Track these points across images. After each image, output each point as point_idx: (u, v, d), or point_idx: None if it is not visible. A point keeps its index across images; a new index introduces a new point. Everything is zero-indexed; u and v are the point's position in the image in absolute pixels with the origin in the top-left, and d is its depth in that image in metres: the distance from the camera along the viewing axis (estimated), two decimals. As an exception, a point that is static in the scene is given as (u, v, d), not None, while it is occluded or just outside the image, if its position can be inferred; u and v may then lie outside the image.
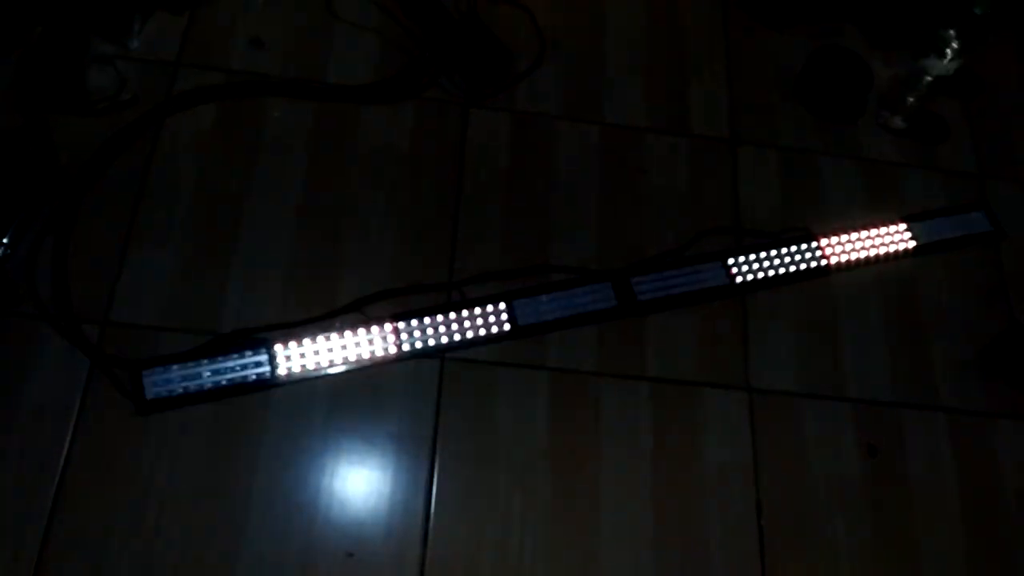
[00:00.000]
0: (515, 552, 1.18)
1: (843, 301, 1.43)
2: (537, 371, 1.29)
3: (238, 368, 1.21)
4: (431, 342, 1.27)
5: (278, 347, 1.23)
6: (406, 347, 1.26)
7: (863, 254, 1.46)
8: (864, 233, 1.48)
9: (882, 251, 1.47)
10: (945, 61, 1.46)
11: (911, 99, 1.55)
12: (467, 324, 1.29)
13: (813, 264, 1.43)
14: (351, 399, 1.24)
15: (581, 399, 1.29)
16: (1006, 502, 1.32)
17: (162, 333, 1.23)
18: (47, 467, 1.13)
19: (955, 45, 1.43)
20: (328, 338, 1.25)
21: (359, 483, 1.19)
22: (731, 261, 1.41)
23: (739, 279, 1.40)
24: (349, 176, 1.40)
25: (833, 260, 1.44)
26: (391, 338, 1.26)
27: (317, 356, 1.24)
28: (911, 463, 1.32)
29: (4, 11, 1.38)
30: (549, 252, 1.39)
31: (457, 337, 1.28)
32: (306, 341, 1.24)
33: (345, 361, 1.24)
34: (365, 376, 1.25)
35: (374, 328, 1.27)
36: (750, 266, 1.41)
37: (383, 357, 1.26)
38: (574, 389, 1.29)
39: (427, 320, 1.28)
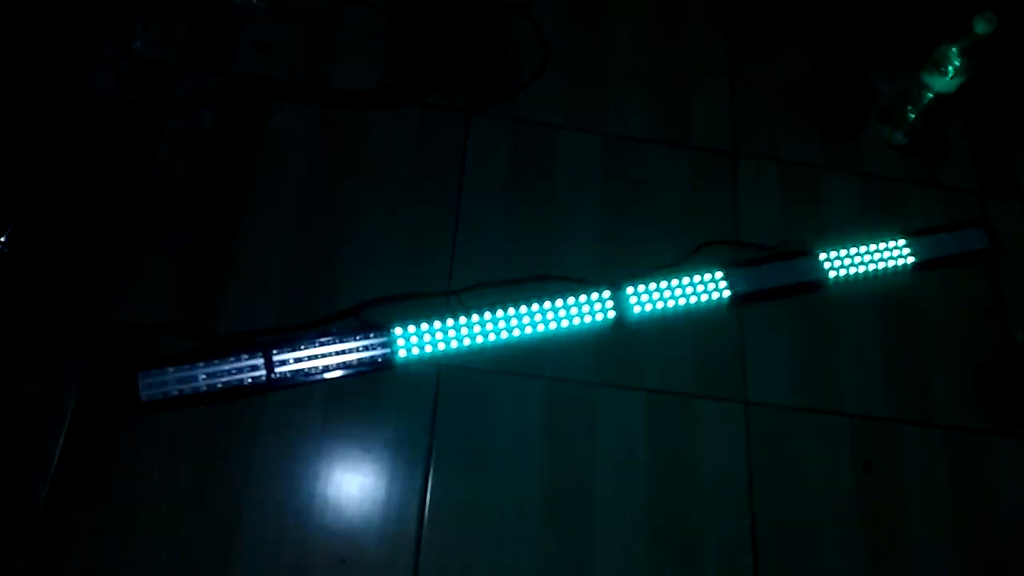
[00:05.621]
0: (508, 562, 1.17)
1: (841, 316, 1.43)
2: (534, 380, 1.29)
3: (234, 371, 1.21)
4: (428, 349, 1.27)
5: (274, 351, 1.23)
6: (403, 353, 1.26)
7: (861, 269, 1.46)
8: (863, 248, 1.48)
9: (880, 266, 1.47)
10: (947, 78, 1.46)
11: (912, 115, 1.55)
12: (465, 331, 1.29)
13: (812, 278, 1.43)
14: (347, 405, 1.23)
15: (577, 409, 1.28)
16: (1001, 521, 1.31)
17: (158, 335, 1.23)
18: (40, 467, 1.13)
19: (957, 62, 1.44)
20: (325, 343, 1.25)
21: (353, 489, 1.19)
22: (730, 273, 1.41)
23: (737, 291, 1.40)
24: (350, 181, 1.39)
25: (832, 274, 1.44)
26: (388, 344, 1.26)
27: (313, 361, 1.24)
28: (907, 480, 1.32)
29: (7, 12, 1.38)
30: (548, 261, 1.39)
31: (455, 344, 1.28)
32: (303, 345, 1.24)
33: (342, 366, 1.24)
34: (361, 382, 1.25)
35: (371, 334, 1.27)
36: (748, 279, 1.41)
37: (380, 363, 1.25)
38: (570, 398, 1.29)
39: (425, 327, 1.28)
